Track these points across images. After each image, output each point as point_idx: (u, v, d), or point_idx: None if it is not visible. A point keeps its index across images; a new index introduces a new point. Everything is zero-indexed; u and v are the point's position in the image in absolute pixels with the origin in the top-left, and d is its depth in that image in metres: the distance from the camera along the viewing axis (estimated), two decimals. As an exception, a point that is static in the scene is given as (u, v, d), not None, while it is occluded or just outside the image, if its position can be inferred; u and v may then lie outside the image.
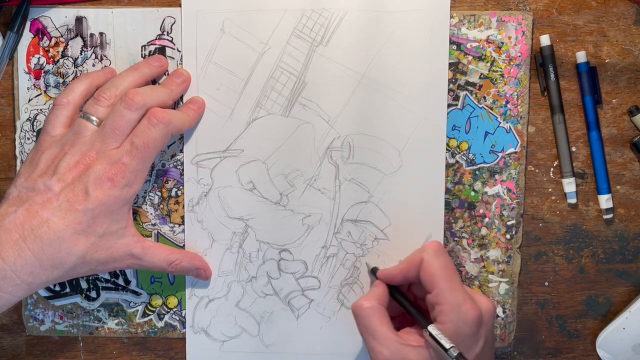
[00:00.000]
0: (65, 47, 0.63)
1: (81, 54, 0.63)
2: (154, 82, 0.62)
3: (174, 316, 0.64)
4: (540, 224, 0.63)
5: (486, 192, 0.62)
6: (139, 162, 0.57)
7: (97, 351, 0.65)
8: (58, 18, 0.62)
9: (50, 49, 0.63)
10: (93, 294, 0.64)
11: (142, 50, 0.62)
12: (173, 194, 0.63)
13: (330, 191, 0.62)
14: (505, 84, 0.61)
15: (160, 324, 0.64)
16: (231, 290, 0.64)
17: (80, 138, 0.57)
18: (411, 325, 0.59)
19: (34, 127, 0.63)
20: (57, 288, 0.64)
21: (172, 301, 0.64)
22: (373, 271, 0.61)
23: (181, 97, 0.62)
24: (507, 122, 0.62)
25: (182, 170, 0.63)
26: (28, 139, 0.63)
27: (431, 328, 0.55)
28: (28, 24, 0.62)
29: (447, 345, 0.53)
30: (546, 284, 0.63)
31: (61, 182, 0.56)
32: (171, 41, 0.62)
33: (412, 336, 0.57)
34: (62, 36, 0.62)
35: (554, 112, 0.62)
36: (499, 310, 0.63)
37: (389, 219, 0.62)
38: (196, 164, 0.63)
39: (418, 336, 0.56)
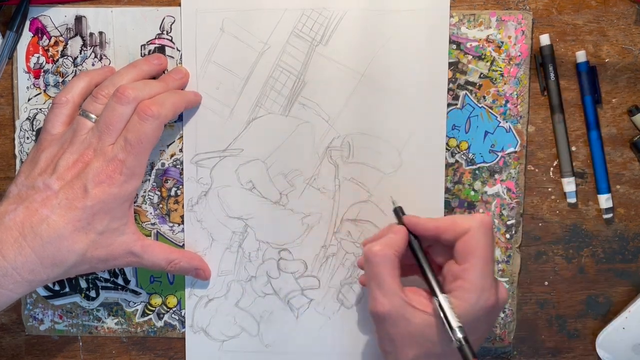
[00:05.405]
0: (65, 47, 0.63)
1: (81, 53, 0.63)
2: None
3: (173, 316, 0.64)
4: (540, 224, 0.63)
5: (486, 192, 0.62)
6: (135, 157, 0.57)
7: (97, 351, 0.65)
8: (57, 17, 0.62)
9: (50, 48, 0.63)
10: (92, 294, 0.64)
11: (141, 50, 0.62)
12: (172, 193, 0.63)
13: (329, 191, 0.62)
14: (505, 84, 0.61)
15: (160, 324, 0.64)
16: (231, 289, 0.63)
17: (78, 136, 0.57)
18: (413, 274, 0.56)
19: (34, 127, 0.63)
20: (57, 287, 0.64)
21: (172, 301, 0.64)
22: (397, 211, 0.57)
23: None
24: (506, 122, 0.62)
25: (182, 169, 0.63)
26: (27, 138, 0.63)
27: (443, 299, 0.52)
28: (27, 23, 0.62)
29: (455, 323, 0.51)
30: (546, 283, 0.63)
31: (60, 181, 0.56)
32: (171, 40, 0.62)
33: (418, 298, 0.53)
34: (61, 35, 0.62)
35: (554, 111, 0.62)
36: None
37: (389, 219, 0.62)
38: (196, 164, 0.63)
39: (424, 300, 0.53)
